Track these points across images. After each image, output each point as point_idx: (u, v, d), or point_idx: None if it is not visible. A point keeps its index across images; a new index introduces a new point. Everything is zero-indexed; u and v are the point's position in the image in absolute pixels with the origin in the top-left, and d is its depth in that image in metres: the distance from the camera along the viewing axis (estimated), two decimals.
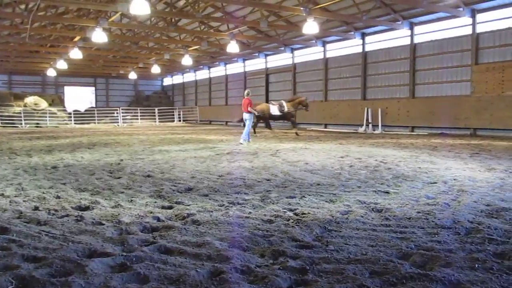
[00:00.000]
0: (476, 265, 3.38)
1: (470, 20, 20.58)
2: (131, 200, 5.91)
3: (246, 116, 16.30)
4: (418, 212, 5.07)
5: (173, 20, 26.30)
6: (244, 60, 37.75)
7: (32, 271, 3.25)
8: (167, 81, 53.77)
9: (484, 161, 9.98)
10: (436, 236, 4.17)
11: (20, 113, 33.63)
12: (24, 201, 5.84)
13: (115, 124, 37.90)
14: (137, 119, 41.15)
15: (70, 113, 37.64)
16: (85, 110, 41.85)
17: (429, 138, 18.70)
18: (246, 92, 16.64)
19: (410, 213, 5.05)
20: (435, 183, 7.11)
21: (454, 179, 7.39)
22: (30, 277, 3.11)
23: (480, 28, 20.51)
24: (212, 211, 5.21)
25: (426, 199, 5.87)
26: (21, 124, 33.20)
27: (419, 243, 3.95)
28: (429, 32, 22.90)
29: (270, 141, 16.94)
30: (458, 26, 21.41)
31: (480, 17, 20.43)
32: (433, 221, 4.66)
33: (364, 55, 26.44)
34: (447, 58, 22.04)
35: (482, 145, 14.66)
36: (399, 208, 5.28)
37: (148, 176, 8.16)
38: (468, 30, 20.89)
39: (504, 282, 3.05)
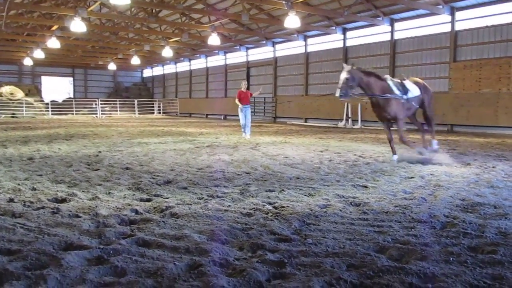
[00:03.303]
0: (451, 259, 3.44)
1: (449, 18, 20.85)
2: (109, 193, 5.84)
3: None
4: (395, 206, 5.13)
5: (153, 11, 25.97)
6: (225, 53, 37.54)
7: (6, 264, 3.18)
8: (147, 72, 53.13)
9: (460, 157, 10.16)
10: (412, 230, 4.23)
11: None
12: None
13: (94, 115, 37.33)
14: (116, 110, 40.59)
15: (47, 104, 36.97)
16: (63, 101, 41.08)
17: (408, 133, 18.89)
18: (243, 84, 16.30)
19: (387, 207, 5.11)
20: (412, 178, 7.21)
21: (431, 174, 7.50)
22: (4, 270, 3.04)
23: (458, 26, 20.80)
24: (191, 204, 5.19)
25: (403, 193, 5.95)
26: None
27: (395, 237, 4.00)
28: (409, 28, 23.12)
29: (251, 135, 16.90)
30: (437, 24, 21.66)
31: (459, 15, 20.72)
32: (409, 215, 4.73)
33: (345, 50, 26.57)
34: (426, 54, 22.32)
35: (459, 141, 14.91)
36: (376, 202, 5.34)
37: (127, 168, 8.08)
38: (447, 28, 21.17)
39: (478, 275, 3.12)
